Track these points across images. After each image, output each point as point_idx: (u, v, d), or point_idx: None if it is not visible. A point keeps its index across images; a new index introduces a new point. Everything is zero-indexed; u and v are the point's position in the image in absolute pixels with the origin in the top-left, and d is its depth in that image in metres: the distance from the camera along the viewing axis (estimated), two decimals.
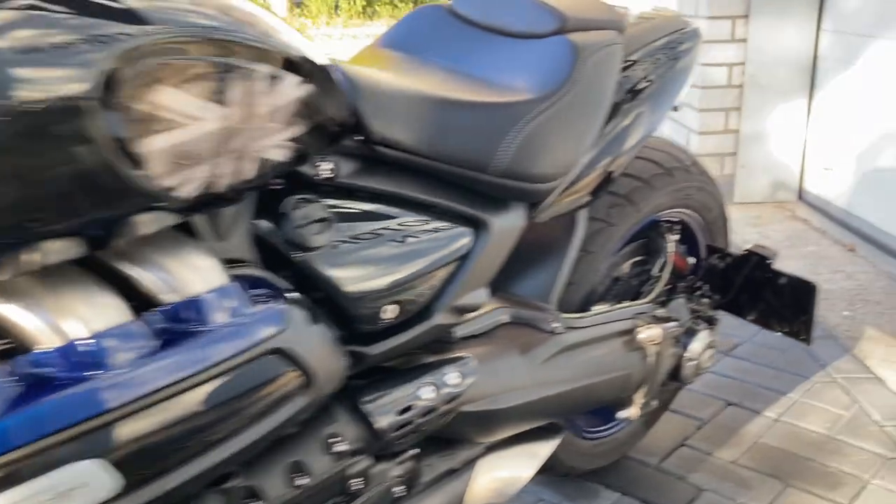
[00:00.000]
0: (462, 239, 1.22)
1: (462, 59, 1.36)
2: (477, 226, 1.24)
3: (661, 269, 1.75)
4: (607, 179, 1.45)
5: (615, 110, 1.40)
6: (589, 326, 1.48)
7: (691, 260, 1.86)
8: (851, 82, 3.44)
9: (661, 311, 1.64)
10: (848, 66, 3.46)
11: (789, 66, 3.72)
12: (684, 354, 1.67)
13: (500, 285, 1.47)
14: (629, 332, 1.53)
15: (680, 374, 1.69)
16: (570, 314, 1.48)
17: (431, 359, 1.25)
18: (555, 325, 1.42)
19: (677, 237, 1.81)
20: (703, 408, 2.21)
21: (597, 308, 1.56)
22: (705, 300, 1.79)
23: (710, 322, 1.73)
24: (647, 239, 1.82)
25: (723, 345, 2.05)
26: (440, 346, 1.28)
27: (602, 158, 1.40)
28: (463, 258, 1.23)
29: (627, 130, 1.43)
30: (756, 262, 1.78)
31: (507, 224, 1.27)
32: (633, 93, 1.44)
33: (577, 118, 1.27)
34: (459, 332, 1.34)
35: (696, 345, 1.68)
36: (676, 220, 1.81)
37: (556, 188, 1.30)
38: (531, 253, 1.51)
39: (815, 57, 3.71)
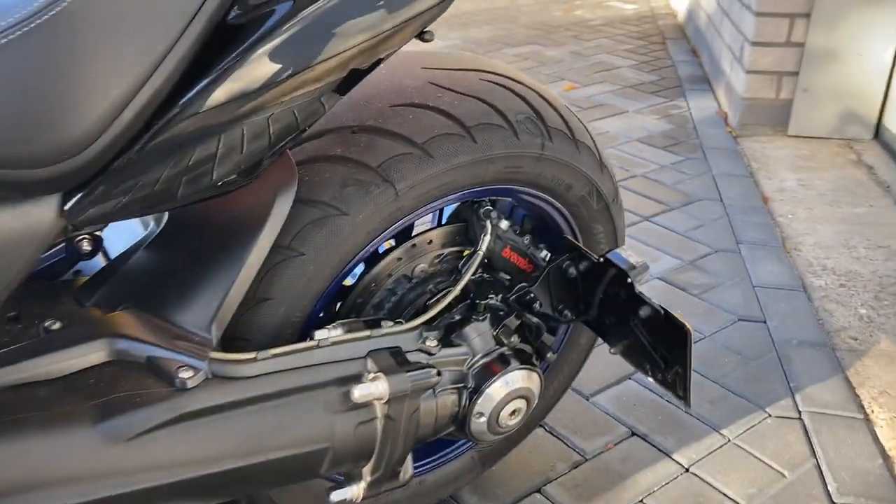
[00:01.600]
0: None
1: None
2: None
3: (463, 272, 1.17)
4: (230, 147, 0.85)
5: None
6: (255, 377, 0.94)
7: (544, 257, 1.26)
8: None
9: (430, 342, 1.08)
10: None
11: None
12: (471, 407, 1.11)
13: (151, 299, 0.96)
14: (333, 385, 0.99)
15: (467, 431, 1.14)
16: (234, 354, 0.94)
17: None
18: (184, 374, 0.90)
19: (505, 224, 1.21)
20: (595, 433, 1.64)
21: (316, 339, 1.01)
22: (532, 323, 1.20)
23: (525, 359, 1.15)
24: (466, 223, 1.23)
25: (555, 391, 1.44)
26: None
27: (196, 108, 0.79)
28: None
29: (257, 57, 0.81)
30: (613, 276, 1.17)
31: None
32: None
33: (84, 47, 0.68)
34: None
35: (492, 395, 1.12)
36: (510, 200, 1.22)
37: (71, 173, 0.74)
38: (196, 254, 0.98)
39: None
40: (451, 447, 1.39)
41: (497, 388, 1.12)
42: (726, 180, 2.77)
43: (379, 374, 0.99)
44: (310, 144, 1.02)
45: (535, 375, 1.16)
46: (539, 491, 1.50)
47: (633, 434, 1.64)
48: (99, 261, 1.08)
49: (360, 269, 1.20)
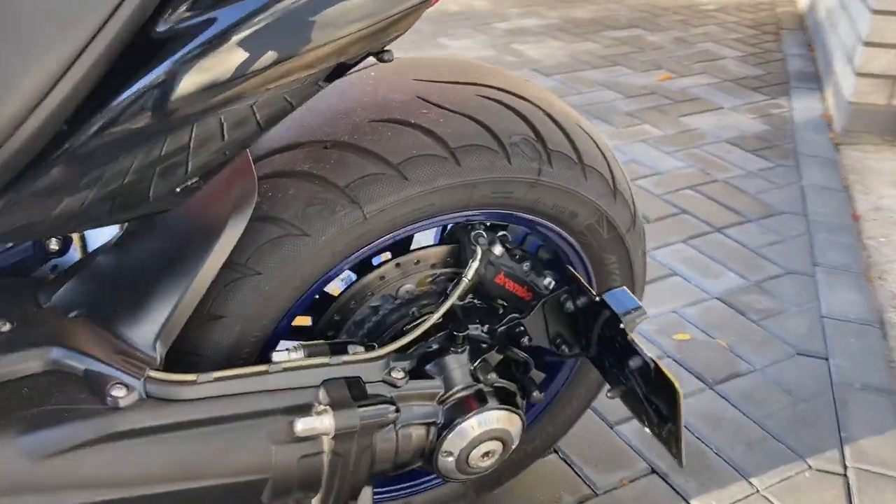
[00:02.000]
0: None
1: None
2: None
3: (447, 299, 1.08)
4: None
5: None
6: (194, 400, 0.90)
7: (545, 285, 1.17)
8: None
9: (395, 374, 1.01)
10: None
11: None
12: (439, 444, 1.04)
13: (102, 308, 0.93)
14: (278, 414, 0.93)
15: (434, 468, 1.07)
16: (174, 375, 0.90)
17: None
18: (117, 392, 0.87)
19: (500, 250, 1.12)
20: (611, 466, 1.54)
21: (271, 363, 0.96)
22: (518, 358, 1.11)
23: (505, 399, 1.06)
24: (458, 244, 1.15)
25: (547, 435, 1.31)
26: None
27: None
28: None
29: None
30: (608, 318, 1.06)
31: None
32: None
33: None
34: None
35: (462, 434, 1.04)
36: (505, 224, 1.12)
37: None
38: (148, 266, 0.94)
39: None
40: None
41: (469, 428, 1.04)
42: (816, 193, 2.56)
43: (326, 407, 0.93)
44: (279, 158, 0.96)
45: (514, 417, 1.07)
46: None
47: (653, 472, 1.53)
48: (76, 256, 1.07)
49: (352, 278, 1.15)
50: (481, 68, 1.12)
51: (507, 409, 1.06)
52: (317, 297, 1.13)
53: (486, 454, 1.08)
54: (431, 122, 0.98)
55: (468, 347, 1.07)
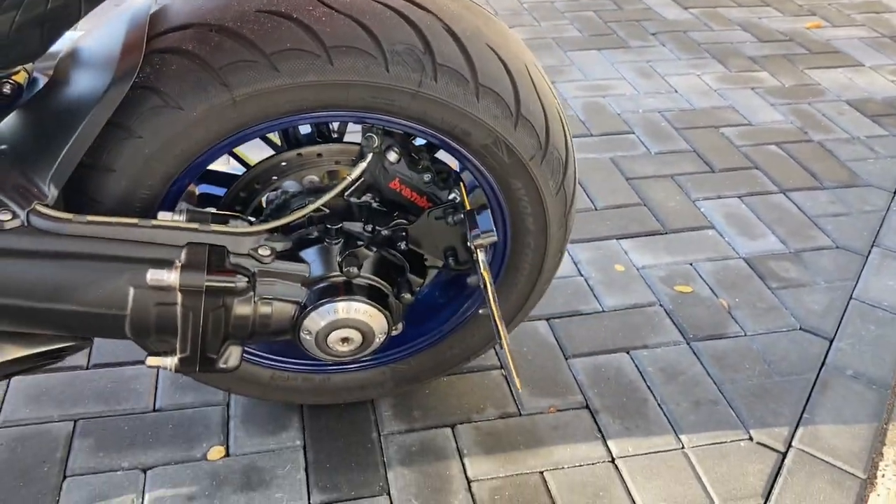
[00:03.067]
0: None
1: None
2: None
3: (328, 190, 1.15)
4: None
5: None
6: (67, 236, 1.05)
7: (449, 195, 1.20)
8: None
9: (262, 251, 1.10)
10: None
11: None
12: (300, 321, 1.13)
13: (17, 146, 1.09)
14: (140, 263, 1.06)
15: (298, 344, 1.17)
16: (56, 212, 1.05)
17: None
18: (2, 216, 1.03)
19: (394, 156, 1.16)
20: (547, 393, 1.56)
21: (148, 220, 1.09)
22: (395, 261, 1.16)
23: (369, 294, 1.13)
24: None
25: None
26: None
27: None
28: None
29: None
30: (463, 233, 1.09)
31: None
32: None
33: None
34: None
35: (316, 318, 1.12)
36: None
37: None
38: (49, 115, 1.08)
39: None
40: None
41: (324, 312, 1.13)
42: None
43: (178, 265, 1.05)
44: (172, 35, 1.06)
45: (374, 311, 1.14)
46: (452, 427, 1.49)
47: (585, 406, 1.55)
48: None
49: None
50: None
51: (362, 301, 1.13)
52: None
53: (345, 340, 1.16)
54: (314, 20, 1.04)
55: (342, 240, 1.14)
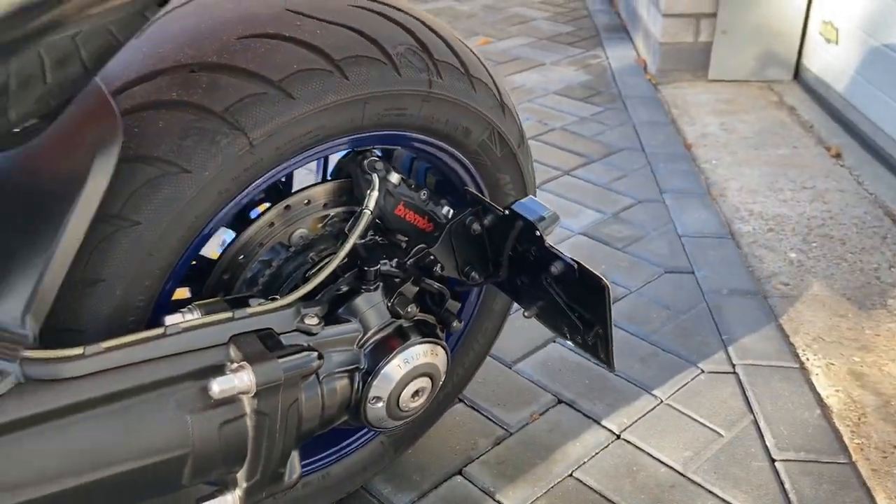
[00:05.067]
0: None
1: None
2: None
3: (348, 236, 1.00)
4: None
5: None
6: (84, 376, 0.76)
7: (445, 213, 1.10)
8: None
9: (309, 320, 0.91)
10: None
11: None
12: (366, 391, 0.96)
13: None
14: (188, 379, 0.82)
15: (363, 419, 0.98)
16: (56, 351, 0.76)
17: None
18: None
19: (396, 178, 1.04)
20: (518, 404, 1.51)
21: (165, 325, 0.83)
22: (433, 290, 1.04)
23: (427, 332, 0.99)
24: (350, 179, 1.06)
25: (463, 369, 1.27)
26: None
27: None
28: None
29: None
30: (521, 229, 1.02)
31: None
32: None
33: None
34: None
35: (389, 375, 0.96)
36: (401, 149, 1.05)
37: None
38: (3, 231, 0.79)
39: None
40: (356, 434, 1.23)
41: (395, 368, 0.96)
42: (647, 129, 2.66)
43: (243, 363, 0.82)
44: (139, 89, 0.83)
45: (439, 349, 1.01)
46: (460, 472, 1.36)
47: (560, 402, 1.51)
48: None
49: (229, 237, 1.03)
50: None
51: (430, 342, 0.99)
52: (194, 263, 1.00)
53: (417, 393, 1.01)
54: (308, 35, 0.89)
55: (381, 284, 0.99)
